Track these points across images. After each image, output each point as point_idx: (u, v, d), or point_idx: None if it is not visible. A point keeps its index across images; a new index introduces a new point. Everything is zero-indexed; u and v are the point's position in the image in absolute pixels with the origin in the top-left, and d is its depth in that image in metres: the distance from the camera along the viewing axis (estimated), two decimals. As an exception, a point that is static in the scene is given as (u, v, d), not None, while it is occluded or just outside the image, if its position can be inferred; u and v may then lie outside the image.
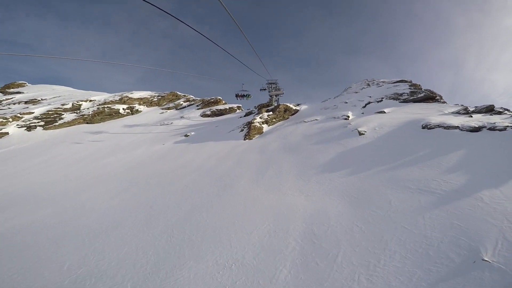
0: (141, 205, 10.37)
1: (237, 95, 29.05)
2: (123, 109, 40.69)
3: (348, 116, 20.42)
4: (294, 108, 28.53)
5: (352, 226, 7.17)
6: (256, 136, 22.83)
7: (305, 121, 22.53)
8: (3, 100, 39.92)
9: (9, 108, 37.14)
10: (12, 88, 45.94)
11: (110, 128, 33.89)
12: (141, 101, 43.60)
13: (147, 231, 8.45)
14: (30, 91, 45.17)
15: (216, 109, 39.93)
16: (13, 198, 13.21)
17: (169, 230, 8.33)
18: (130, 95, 42.72)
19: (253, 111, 33.10)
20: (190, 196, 10.82)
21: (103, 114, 38.01)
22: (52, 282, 6.51)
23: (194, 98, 47.13)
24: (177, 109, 43.91)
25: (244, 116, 32.72)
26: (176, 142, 24.40)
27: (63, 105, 36.15)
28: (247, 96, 29.39)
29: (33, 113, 32.80)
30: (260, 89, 32.20)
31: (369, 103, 23.89)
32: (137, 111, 42.04)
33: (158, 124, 35.49)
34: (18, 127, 30.30)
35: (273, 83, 34.08)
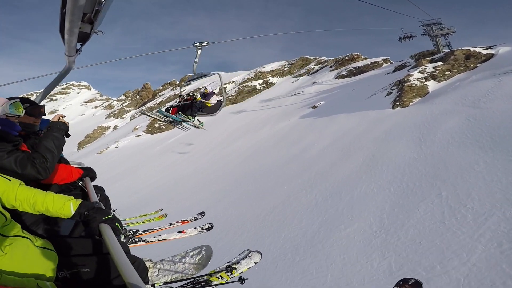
0: (214, 236, 8.23)
1: (400, 38, 25.09)
2: (259, 84, 41.68)
3: None
4: (484, 52, 17.12)
5: None
6: (415, 100, 15.28)
7: (517, 70, 12.29)
8: (181, 92, 51.63)
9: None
10: (184, 81, 58.67)
11: (248, 105, 35.52)
12: (273, 73, 42.97)
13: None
14: (195, 81, 55.85)
15: (354, 67, 32.41)
16: (154, 194, 15.23)
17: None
18: (263, 69, 43.06)
19: (408, 63, 23.54)
20: (249, 241, 7.47)
21: (244, 92, 40.49)
22: None
23: (326, 59, 41.07)
24: (309, 75, 39.97)
25: (393, 71, 23.92)
26: (301, 117, 21.14)
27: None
28: (411, 36, 24.87)
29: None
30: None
31: None
32: (271, 84, 41.89)
33: (290, 94, 33.42)
34: (185, 115, 37.74)
35: (435, 23, 23.09)
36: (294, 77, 41.01)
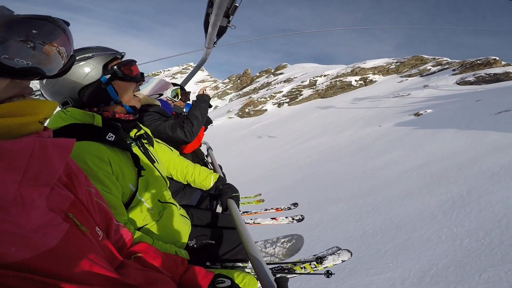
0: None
1: None
2: (355, 80, 38.28)
3: None
4: None
5: None
6: None
7: None
8: (273, 81, 53.13)
9: (274, 87, 48.72)
10: (278, 70, 59.82)
11: (338, 102, 33.30)
12: (376, 70, 38.33)
13: None
14: (288, 71, 56.21)
15: (486, 74, 25.17)
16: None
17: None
18: (363, 65, 38.98)
19: None
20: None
21: (335, 87, 38.13)
22: None
23: (449, 60, 33.44)
24: (421, 76, 33.73)
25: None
26: (397, 124, 18.17)
27: (302, 82, 40.87)
28: None
29: (282, 92, 40.30)
30: None
31: None
32: (371, 82, 37.69)
33: (391, 96, 29.26)
34: (273, 104, 38.72)
35: None
36: (401, 76, 35.46)
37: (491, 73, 24.95)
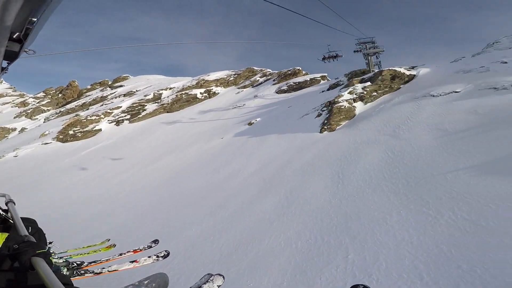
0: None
1: (324, 58, 23.71)
2: (200, 93, 39.23)
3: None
4: (407, 73, 18.31)
5: None
6: (342, 124, 15.15)
7: (433, 95, 13.02)
8: (109, 94, 45.60)
9: (111, 102, 41.81)
10: (117, 82, 52.42)
11: (184, 116, 32.78)
12: (218, 82, 41.12)
13: None
14: (130, 83, 50.28)
15: (294, 83, 32.74)
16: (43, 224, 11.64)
17: None
18: (207, 78, 40.82)
19: (341, 82, 24.31)
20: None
21: (181, 101, 37.51)
22: None
23: (271, 71, 41.10)
24: (253, 87, 39.29)
25: (328, 90, 24.44)
26: (236, 135, 19.67)
27: (145, 96, 37.55)
28: (336, 56, 23.59)
29: (120, 107, 35.15)
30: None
31: None
32: (214, 94, 39.89)
33: (231, 107, 31.95)
34: (109, 123, 32.86)
35: (369, 42, 24.10)
36: (238, 88, 39.83)
37: (297, 82, 32.58)
